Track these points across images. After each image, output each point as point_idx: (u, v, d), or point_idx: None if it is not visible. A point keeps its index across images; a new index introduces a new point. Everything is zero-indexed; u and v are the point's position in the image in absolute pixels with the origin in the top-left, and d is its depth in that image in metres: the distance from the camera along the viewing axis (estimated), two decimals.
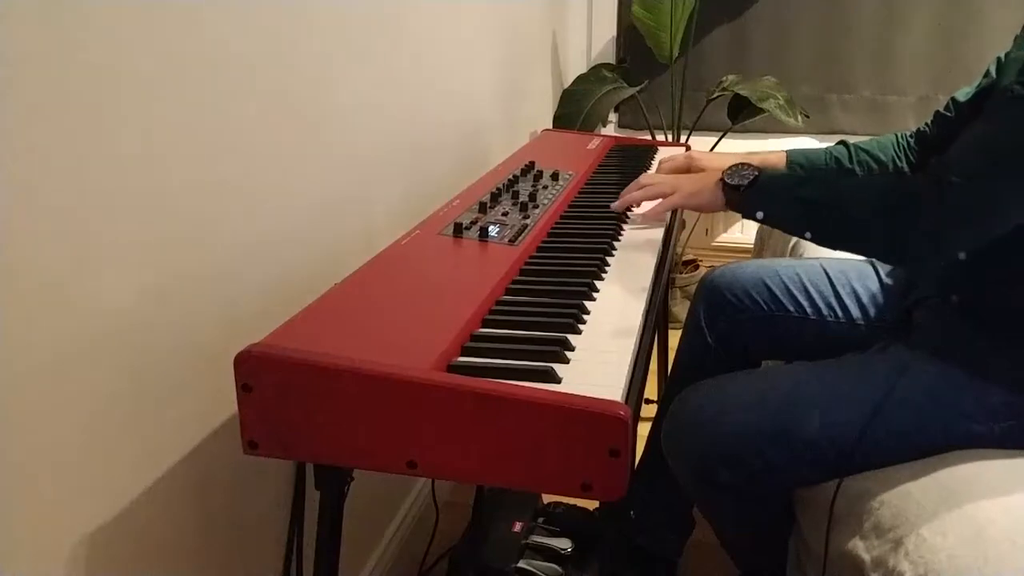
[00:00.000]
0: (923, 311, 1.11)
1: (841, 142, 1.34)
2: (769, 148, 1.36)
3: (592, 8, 2.85)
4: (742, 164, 1.12)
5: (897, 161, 1.30)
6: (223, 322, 0.89)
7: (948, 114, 1.24)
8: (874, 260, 1.27)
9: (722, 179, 1.11)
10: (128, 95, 0.72)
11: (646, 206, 1.23)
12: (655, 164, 1.61)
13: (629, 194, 1.22)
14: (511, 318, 0.85)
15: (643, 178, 1.25)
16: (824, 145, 1.36)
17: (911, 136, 1.31)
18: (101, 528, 0.74)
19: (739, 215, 1.11)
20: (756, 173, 1.09)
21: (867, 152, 1.31)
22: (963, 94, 1.22)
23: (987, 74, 1.17)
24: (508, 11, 1.99)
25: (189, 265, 0.83)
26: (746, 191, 1.08)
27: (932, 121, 1.28)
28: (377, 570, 1.37)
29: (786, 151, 1.34)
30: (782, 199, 1.06)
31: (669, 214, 1.24)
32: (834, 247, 1.07)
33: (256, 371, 0.71)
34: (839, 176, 1.27)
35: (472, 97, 1.75)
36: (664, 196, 1.18)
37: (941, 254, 0.99)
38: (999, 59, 1.14)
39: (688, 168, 1.34)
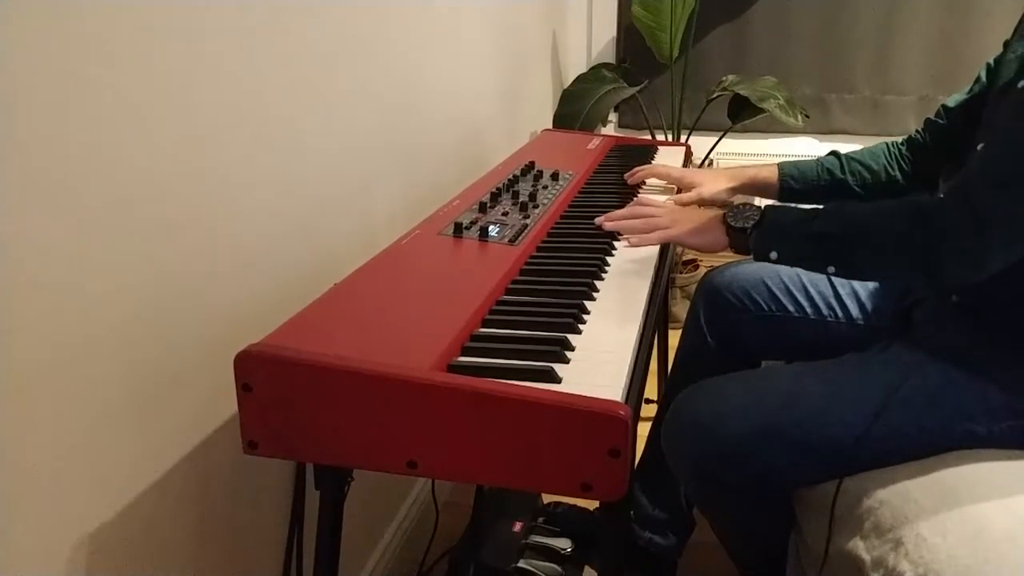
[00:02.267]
0: (923, 311, 1.11)
1: (832, 152, 1.34)
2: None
3: (592, 8, 2.85)
4: (744, 205, 1.07)
5: (889, 169, 1.30)
6: (223, 322, 0.89)
7: (940, 121, 1.25)
8: None
9: (725, 221, 1.06)
10: (127, 93, 0.72)
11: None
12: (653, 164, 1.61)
13: (621, 221, 1.15)
14: (511, 318, 0.85)
15: (639, 207, 1.19)
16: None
17: (902, 144, 1.31)
18: (101, 528, 0.74)
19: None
20: (760, 213, 1.04)
21: (859, 162, 1.31)
22: (954, 100, 1.22)
23: (978, 80, 1.17)
24: (508, 11, 1.99)
25: (189, 265, 0.83)
26: (753, 232, 1.03)
27: (924, 128, 1.29)
28: (377, 570, 1.37)
29: (778, 164, 1.34)
30: (795, 236, 1.02)
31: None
32: (862, 279, 1.02)
33: (256, 371, 0.71)
34: (850, 204, 1.22)
35: (472, 97, 1.75)
36: (660, 228, 1.12)
37: (980, 270, 0.92)
38: (988, 65, 1.14)
39: (680, 183, 1.33)
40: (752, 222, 1.04)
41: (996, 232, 0.89)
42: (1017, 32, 1.08)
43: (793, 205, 1.11)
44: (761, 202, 1.12)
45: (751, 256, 1.05)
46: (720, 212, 1.08)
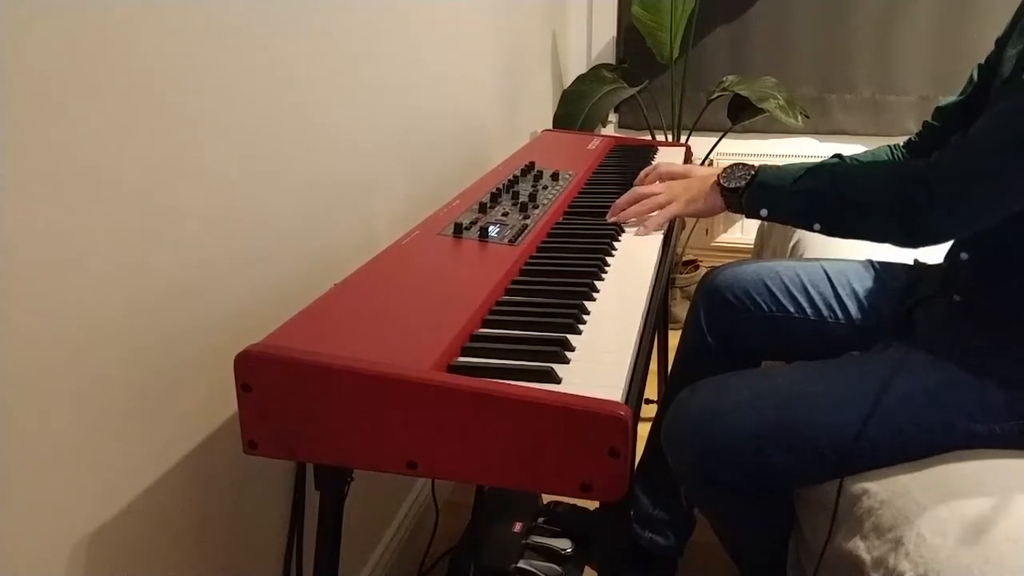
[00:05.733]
0: (924, 310, 1.12)
1: (836, 155, 1.35)
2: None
3: (592, 8, 2.85)
4: (737, 165, 1.13)
5: None
6: (223, 322, 0.89)
7: (934, 123, 1.26)
8: (874, 261, 1.27)
9: (718, 183, 1.11)
10: (126, 92, 0.72)
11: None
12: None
13: (625, 209, 1.19)
14: (511, 318, 0.85)
15: (638, 189, 1.22)
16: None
17: (903, 147, 1.32)
18: (101, 528, 0.74)
19: (740, 215, 1.11)
20: (753, 172, 1.09)
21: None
22: (947, 102, 1.23)
23: (971, 80, 1.18)
24: (508, 11, 1.99)
25: (189, 265, 0.83)
26: (745, 191, 1.09)
27: (921, 131, 1.30)
28: (377, 570, 1.37)
29: (782, 166, 1.34)
30: (784, 193, 1.06)
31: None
32: (845, 235, 1.06)
33: (256, 371, 0.71)
34: (836, 163, 1.27)
35: (472, 97, 1.75)
36: (661, 207, 1.17)
37: (954, 226, 0.98)
38: (979, 67, 1.15)
39: (686, 177, 1.34)
40: (744, 182, 1.09)
41: (972, 193, 0.93)
42: (1015, 28, 1.08)
43: (786, 165, 1.16)
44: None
45: (745, 214, 1.10)
46: (715, 177, 1.13)
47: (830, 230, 1.05)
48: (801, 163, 1.32)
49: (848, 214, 1.03)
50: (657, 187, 1.22)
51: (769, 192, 1.07)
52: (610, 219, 1.19)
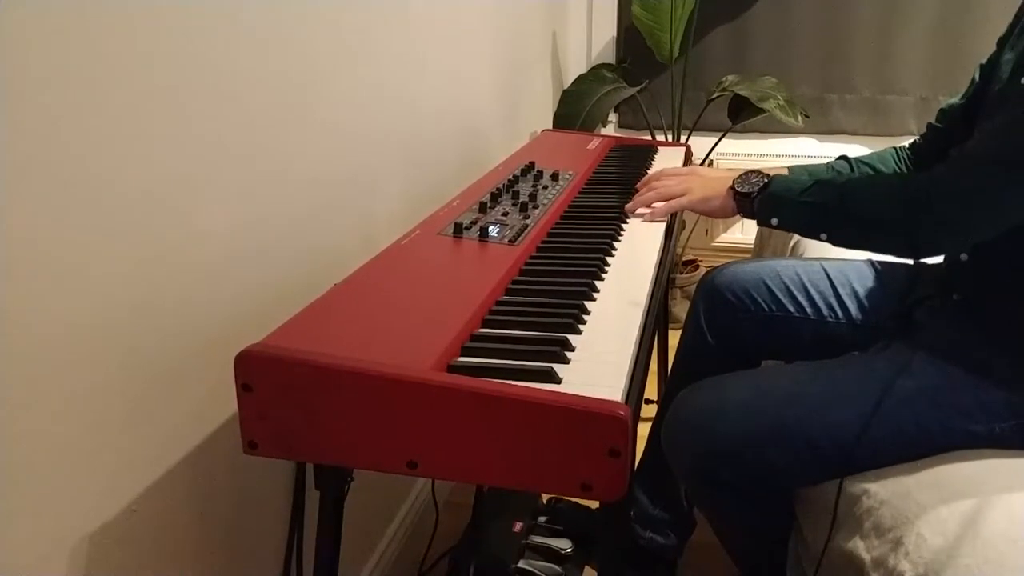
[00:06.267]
0: (924, 311, 1.12)
1: (842, 157, 1.35)
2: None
3: (592, 8, 2.85)
4: (752, 171, 1.15)
5: (898, 173, 1.31)
6: (223, 322, 0.89)
7: (938, 125, 1.26)
8: (873, 260, 1.27)
9: (732, 187, 1.14)
10: (126, 92, 0.72)
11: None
12: (654, 166, 1.61)
13: (642, 196, 1.24)
14: (511, 318, 0.85)
15: (655, 180, 1.26)
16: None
17: (908, 149, 1.33)
18: (101, 528, 0.74)
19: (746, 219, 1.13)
20: (766, 180, 1.11)
21: (868, 165, 1.32)
22: (950, 104, 1.23)
23: (973, 81, 1.18)
24: (508, 11, 1.99)
25: (189, 265, 0.83)
26: (757, 198, 1.10)
27: (925, 133, 1.30)
28: (377, 570, 1.37)
29: (788, 167, 1.35)
30: (794, 203, 1.08)
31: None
32: (851, 246, 1.08)
33: (256, 371, 0.71)
34: (846, 176, 1.28)
35: (472, 97, 1.75)
36: (674, 197, 1.20)
37: (958, 242, 1.01)
38: (981, 66, 1.16)
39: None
40: (757, 188, 1.11)
41: (973, 205, 0.94)
42: (1016, 29, 1.08)
43: (798, 175, 1.17)
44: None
45: (758, 222, 1.12)
46: (731, 178, 1.15)
47: (836, 241, 1.06)
48: (815, 167, 1.34)
49: (852, 228, 1.04)
50: (672, 179, 1.25)
51: (780, 201, 1.09)
52: (628, 208, 1.24)
